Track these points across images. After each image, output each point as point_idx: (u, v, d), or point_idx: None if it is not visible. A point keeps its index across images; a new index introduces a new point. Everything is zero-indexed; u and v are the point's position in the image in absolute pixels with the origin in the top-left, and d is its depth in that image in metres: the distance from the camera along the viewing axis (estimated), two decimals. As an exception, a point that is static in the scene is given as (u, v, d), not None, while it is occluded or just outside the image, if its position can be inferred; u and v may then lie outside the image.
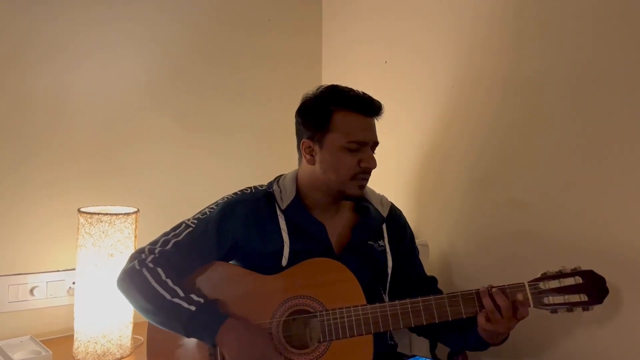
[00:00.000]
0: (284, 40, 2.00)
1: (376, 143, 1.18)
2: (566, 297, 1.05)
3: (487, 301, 1.06)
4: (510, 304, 1.05)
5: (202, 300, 1.03)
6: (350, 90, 1.18)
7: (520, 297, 1.05)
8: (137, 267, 1.07)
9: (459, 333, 1.17)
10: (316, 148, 1.16)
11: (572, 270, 1.07)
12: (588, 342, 1.24)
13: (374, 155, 1.18)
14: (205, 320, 1.02)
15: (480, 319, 1.08)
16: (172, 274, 1.07)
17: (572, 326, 1.27)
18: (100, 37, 1.61)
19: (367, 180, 1.19)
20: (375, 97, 1.20)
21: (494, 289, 1.07)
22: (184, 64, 1.78)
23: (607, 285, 1.05)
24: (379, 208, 1.26)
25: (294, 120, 1.22)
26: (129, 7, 1.66)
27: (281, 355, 1.05)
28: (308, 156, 1.18)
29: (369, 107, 1.16)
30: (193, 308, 1.02)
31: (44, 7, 1.51)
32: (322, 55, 2.11)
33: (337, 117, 1.14)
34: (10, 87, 1.48)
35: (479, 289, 1.08)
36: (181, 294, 1.04)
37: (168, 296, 1.03)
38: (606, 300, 1.05)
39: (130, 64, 1.67)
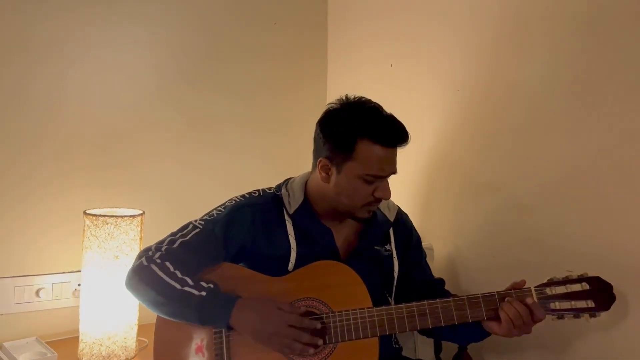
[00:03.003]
0: (291, 40, 2.00)
1: (394, 173, 1.15)
2: (573, 303, 1.05)
3: (511, 309, 1.04)
4: (527, 309, 1.04)
5: (211, 286, 1.04)
6: (379, 115, 1.12)
7: (530, 301, 1.05)
8: (145, 263, 1.07)
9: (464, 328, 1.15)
10: (333, 170, 1.13)
11: (579, 276, 1.06)
12: (594, 348, 1.23)
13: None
14: (217, 304, 1.03)
15: (493, 326, 1.07)
16: (180, 267, 1.07)
17: (578, 332, 1.26)
18: (105, 36, 1.61)
19: (376, 206, 1.18)
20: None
21: (509, 298, 1.06)
22: (190, 64, 1.78)
23: (615, 291, 1.05)
24: (386, 212, 1.26)
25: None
26: (134, 15, 1.66)
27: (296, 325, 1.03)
28: (324, 174, 1.15)
29: (395, 140, 1.11)
30: (204, 294, 1.03)
31: (50, 4, 1.51)
32: (327, 57, 2.11)
33: (360, 147, 1.09)
34: (17, 90, 1.48)
35: (485, 294, 1.08)
36: (190, 282, 1.04)
37: (178, 286, 1.04)
38: (613, 306, 1.05)
39: (136, 64, 1.68)
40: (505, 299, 1.06)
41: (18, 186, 1.48)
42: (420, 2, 1.72)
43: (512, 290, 1.08)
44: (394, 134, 1.11)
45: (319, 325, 1.06)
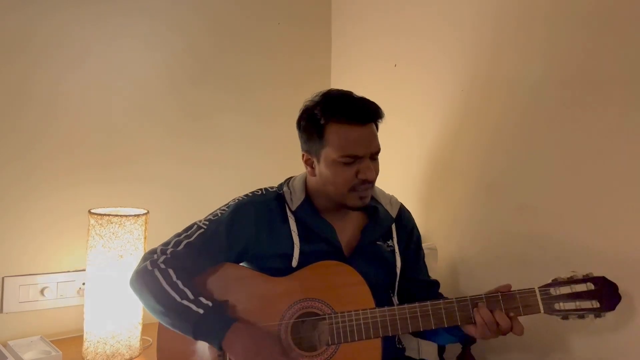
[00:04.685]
0: (295, 38, 2.00)
1: (376, 152, 1.14)
2: (578, 303, 1.04)
3: (478, 317, 1.05)
4: (489, 315, 1.04)
5: (210, 304, 1.04)
6: (345, 97, 1.14)
7: (498, 312, 1.05)
8: (149, 267, 1.08)
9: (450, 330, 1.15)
10: (315, 161, 1.16)
11: (584, 276, 1.05)
12: (599, 348, 1.23)
13: (379, 160, 1.16)
14: (212, 325, 1.02)
15: (470, 328, 1.08)
16: (183, 274, 1.07)
17: (583, 333, 1.25)
18: (111, 43, 1.62)
19: (368, 191, 1.15)
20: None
21: (480, 303, 1.06)
22: (195, 62, 1.78)
23: (620, 292, 1.04)
24: (388, 208, 1.25)
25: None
26: (140, 16, 1.67)
27: (289, 358, 1.05)
28: (309, 168, 1.18)
29: (363, 115, 1.10)
30: (201, 311, 1.02)
31: (53, 1, 1.52)
32: (331, 55, 2.11)
33: (329, 131, 1.10)
34: (21, 90, 1.49)
35: (487, 294, 1.08)
36: (190, 296, 1.04)
37: (178, 298, 1.04)
38: (619, 307, 1.04)
39: (141, 62, 1.68)
40: (478, 304, 1.06)
41: (23, 185, 1.49)
42: (423, 1, 1.71)
43: (516, 291, 1.07)
44: (359, 111, 1.11)
45: None
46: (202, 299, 1.04)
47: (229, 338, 1.01)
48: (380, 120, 1.15)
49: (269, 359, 1.01)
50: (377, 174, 1.16)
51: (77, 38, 1.57)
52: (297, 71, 2.00)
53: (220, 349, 1.03)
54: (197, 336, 1.03)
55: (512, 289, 1.08)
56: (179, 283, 1.05)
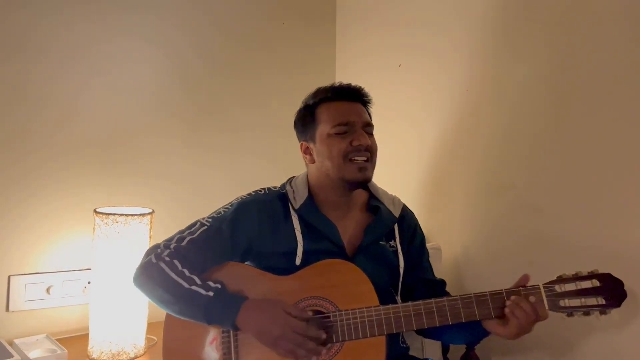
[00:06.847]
0: (298, 46, 2.02)
1: (367, 124, 1.19)
2: (583, 300, 1.03)
3: (520, 311, 1.03)
4: (533, 308, 1.02)
5: (219, 286, 1.05)
6: (332, 84, 1.22)
7: (532, 299, 1.03)
8: (154, 260, 1.08)
9: (462, 329, 1.14)
10: (311, 145, 1.21)
11: (589, 273, 1.05)
12: (605, 346, 1.22)
13: (375, 137, 1.20)
14: (224, 305, 1.03)
15: (497, 327, 1.06)
16: (189, 265, 1.08)
17: (589, 330, 1.25)
18: (116, 42, 1.63)
19: (366, 162, 1.15)
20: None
21: (515, 297, 1.04)
22: (197, 68, 1.80)
23: (625, 288, 1.03)
24: (391, 208, 1.26)
25: None
26: (145, 15, 1.69)
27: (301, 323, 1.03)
28: (308, 156, 1.23)
29: (347, 92, 1.20)
30: (211, 294, 1.03)
31: (62, 17, 1.54)
32: (335, 60, 2.12)
33: (320, 110, 1.20)
34: (28, 90, 1.51)
35: (492, 291, 1.07)
36: (198, 281, 1.05)
37: (186, 285, 1.04)
38: (624, 304, 1.03)
39: (144, 68, 1.69)
40: (511, 298, 1.04)
41: (29, 184, 1.50)
42: (428, 2, 1.72)
43: (521, 288, 1.07)
44: (345, 89, 1.21)
45: (324, 336, 1.05)
46: (211, 283, 1.05)
47: (242, 315, 1.02)
48: (369, 104, 1.23)
49: (284, 333, 1.01)
50: (375, 148, 1.19)
51: (83, 39, 1.58)
52: (301, 77, 2.01)
53: (235, 328, 1.04)
54: (210, 319, 1.04)
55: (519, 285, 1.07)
56: (185, 271, 1.06)
